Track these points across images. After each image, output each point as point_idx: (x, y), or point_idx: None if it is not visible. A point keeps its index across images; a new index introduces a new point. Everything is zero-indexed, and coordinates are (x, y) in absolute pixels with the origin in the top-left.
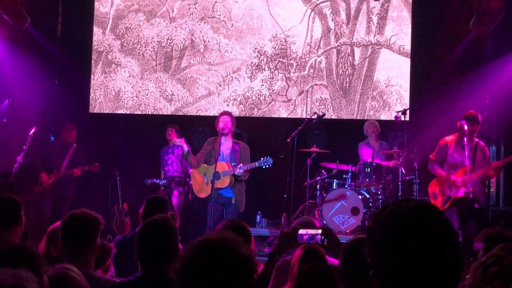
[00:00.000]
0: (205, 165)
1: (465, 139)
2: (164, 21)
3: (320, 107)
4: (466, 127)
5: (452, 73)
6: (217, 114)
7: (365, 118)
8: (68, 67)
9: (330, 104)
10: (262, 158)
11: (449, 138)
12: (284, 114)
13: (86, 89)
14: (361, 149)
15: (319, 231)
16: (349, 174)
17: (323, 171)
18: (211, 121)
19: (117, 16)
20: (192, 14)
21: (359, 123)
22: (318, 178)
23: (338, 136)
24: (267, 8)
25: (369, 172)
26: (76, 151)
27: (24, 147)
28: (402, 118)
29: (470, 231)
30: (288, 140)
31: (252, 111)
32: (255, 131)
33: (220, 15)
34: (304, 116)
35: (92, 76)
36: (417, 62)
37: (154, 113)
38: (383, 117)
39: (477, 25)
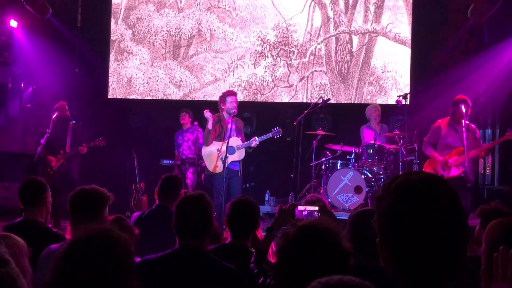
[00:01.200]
0: (216, 142)
1: (463, 121)
2: (173, 11)
3: (320, 92)
4: (464, 109)
5: (450, 59)
6: None
7: (363, 102)
8: (87, 56)
9: (329, 89)
10: (273, 129)
11: (442, 121)
12: (286, 99)
13: (104, 76)
14: (363, 131)
15: (316, 208)
16: (353, 155)
17: (328, 152)
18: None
19: (128, 7)
20: (199, 4)
21: (361, 107)
22: (323, 159)
23: (342, 120)
24: None
25: (372, 153)
26: (75, 128)
27: (47, 130)
28: (403, 102)
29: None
30: (294, 123)
31: (256, 96)
32: (263, 115)
33: (225, 5)
34: (304, 101)
35: (115, 64)
36: (417, 49)
37: (164, 98)
38: (379, 101)
39: (475, 13)
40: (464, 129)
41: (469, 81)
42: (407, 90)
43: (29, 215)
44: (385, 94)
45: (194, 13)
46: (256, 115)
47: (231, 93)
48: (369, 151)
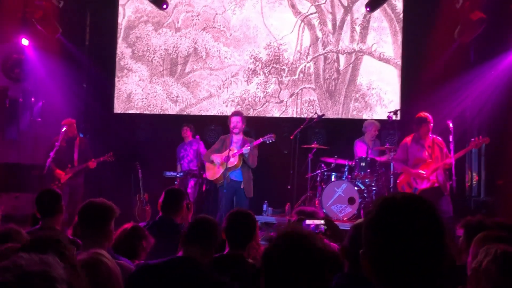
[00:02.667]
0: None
1: (431, 136)
2: (170, 31)
3: (309, 107)
4: (425, 125)
5: (438, 78)
6: (217, 114)
7: (349, 117)
8: (94, 72)
9: (317, 105)
10: (266, 135)
11: (408, 138)
12: (277, 114)
13: (111, 92)
14: (356, 145)
15: (322, 221)
16: (346, 168)
17: (323, 165)
18: (222, 120)
19: (128, 26)
20: (195, 24)
21: (354, 122)
22: (319, 171)
23: (336, 134)
24: (261, 19)
25: (364, 166)
26: (82, 143)
27: (56, 143)
28: (394, 118)
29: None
30: (291, 137)
31: (248, 111)
32: (261, 129)
33: (220, 25)
34: (294, 116)
35: (116, 80)
36: (407, 68)
37: (161, 113)
38: (365, 116)
39: (461, 35)
40: (430, 143)
41: (456, 98)
42: (391, 106)
43: (46, 223)
44: (370, 110)
45: (191, 32)
46: (254, 129)
47: (233, 113)
48: (361, 164)
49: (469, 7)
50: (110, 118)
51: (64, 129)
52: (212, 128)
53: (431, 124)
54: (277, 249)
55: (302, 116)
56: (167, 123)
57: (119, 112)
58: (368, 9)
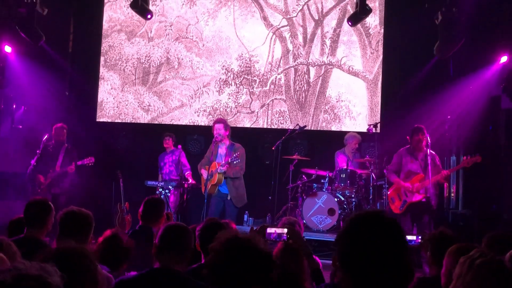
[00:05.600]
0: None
1: (426, 149)
2: (143, 40)
3: (279, 118)
4: (420, 137)
5: (418, 91)
6: (189, 123)
7: (318, 129)
8: (77, 80)
9: (288, 116)
10: (234, 155)
11: (402, 150)
12: (247, 124)
13: (93, 100)
14: (337, 157)
15: (285, 230)
16: (327, 179)
17: (303, 176)
18: (203, 129)
19: (101, 35)
20: (168, 34)
21: (335, 134)
22: (299, 182)
23: (317, 145)
24: (234, 31)
25: (344, 177)
26: (68, 150)
27: (37, 151)
28: (374, 130)
29: (424, 223)
30: (273, 148)
31: None
32: (244, 139)
33: (192, 36)
34: (265, 126)
35: (104, 88)
36: (387, 81)
37: (133, 121)
38: (334, 128)
39: (440, 50)
40: (423, 156)
41: (435, 111)
42: (360, 118)
43: (31, 233)
44: (339, 121)
45: (164, 42)
46: (237, 139)
47: (215, 121)
48: (342, 175)
49: (448, 23)
50: (92, 126)
51: (45, 137)
52: (195, 138)
53: (424, 136)
54: (218, 251)
55: (273, 127)
56: (148, 131)
57: (103, 120)
58: (350, 23)
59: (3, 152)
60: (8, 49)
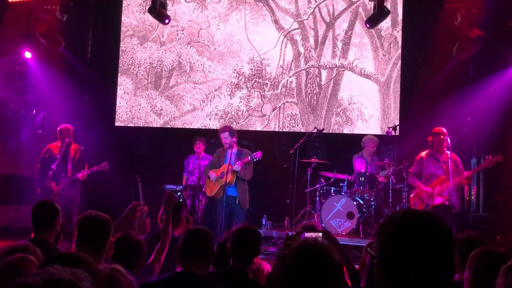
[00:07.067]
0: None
1: (446, 151)
2: (155, 45)
3: (291, 121)
4: (442, 140)
5: (437, 93)
6: (201, 127)
7: (330, 131)
8: (96, 86)
9: (299, 119)
10: (253, 154)
11: (423, 152)
12: (259, 128)
13: (112, 105)
14: (354, 161)
15: (320, 234)
16: (345, 182)
17: (322, 179)
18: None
19: (120, 40)
20: (180, 39)
21: (353, 137)
22: (318, 185)
23: (335, 149)
24: (245, 34)
25: (363, 181)
26: (77, 151)
27: (58, 156)
28: (393, 133)
29: None
30: (291, 151)
31: (231, 125)
32: (261, 143)
33: (204, 40)
34: (277, 130)
35: (117, 93)
36: (407, 84)
37: (145, 125)
38: (346, 131)
39: (459, 52)
40: (445, 158)
41: (454, 113)
42: (372, 121)
43: (39, 235)
44: (351, 124)
45: (175, 46)
46: (254, 142)
47: (220, 130)
48: (360, 179)
49: (467, 24)
50: (111, 130)
51: (66, 141)
52: (213, 142)
53: (445, 138)
54: (295, 261)
55: (285, 130)
56: (162, 135)
57: (123, 125)
58: (367, 25)
59: (22, 157)
60: (28, 55)
